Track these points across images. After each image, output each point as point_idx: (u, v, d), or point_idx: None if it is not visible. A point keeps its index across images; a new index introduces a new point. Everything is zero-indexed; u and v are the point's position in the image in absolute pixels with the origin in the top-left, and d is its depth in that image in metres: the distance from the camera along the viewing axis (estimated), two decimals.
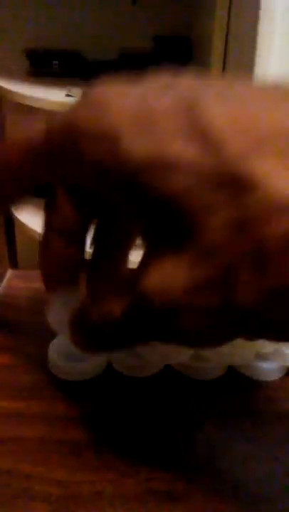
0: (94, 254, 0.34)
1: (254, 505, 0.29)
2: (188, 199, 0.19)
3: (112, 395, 0.36)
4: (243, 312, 0.20)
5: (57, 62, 1.19)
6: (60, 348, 0.39)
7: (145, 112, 0.20)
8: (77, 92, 0.98)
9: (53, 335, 0.40)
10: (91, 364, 0.38)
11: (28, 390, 0.36)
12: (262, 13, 0.66)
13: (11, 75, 1.15)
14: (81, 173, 0.24)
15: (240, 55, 0.78)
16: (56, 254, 0.31)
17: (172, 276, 0.21)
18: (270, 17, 0.67)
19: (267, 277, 0.19)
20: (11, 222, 1.23)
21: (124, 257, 0.33)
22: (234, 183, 0.18)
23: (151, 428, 0.34)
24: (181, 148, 0.19)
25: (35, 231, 1.11)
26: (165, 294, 0.21)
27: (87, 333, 0.27)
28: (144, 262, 0.24)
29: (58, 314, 0.34)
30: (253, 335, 0.23)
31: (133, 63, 1.16)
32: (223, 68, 0.88)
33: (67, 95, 0.99)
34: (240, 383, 0.38)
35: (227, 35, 0.87)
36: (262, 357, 0.39)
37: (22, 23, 1.22)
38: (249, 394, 0.37)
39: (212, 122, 0.18)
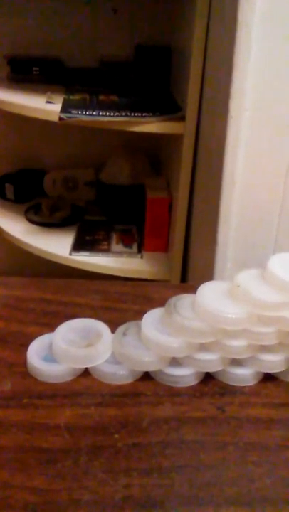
0: None
1: (232, 508, 0.30)
2: None
3: (89, 402, 0.37)
4: None
5: (37, 68, 1.19)
6: (38, 350, 0.40)
7: None
8: (57, 99, 0.98)
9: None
10: (66, 367, 0.38)
11: (6, 398, 0.36)
12: (239, 23, 0.68)
13: None
14: None
15: (218, 64, 0.79)
16: None
17: None
18: (248, 28, 0.68)
19: None
20: None
21: None
22: None
23: (128, 435, 0.34)
24: None
25: (16, 238, 1.10)
26: None
27: None
28: None
29: None
30: None
31: (113, 71, 1.17)
32: (202, 77, 0.89)
33: (48, 102, 0.99)
34: (215, 389, 0.39)
35: (206, 45, 0.88)
36: (237, 363, 0.40)
37: (3, 29, 1.22)
38: (224, 399, 0.38)
39: None
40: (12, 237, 1.11)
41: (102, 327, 0.41)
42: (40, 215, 1.18)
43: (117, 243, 1.09)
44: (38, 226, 1.14)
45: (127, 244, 1.09)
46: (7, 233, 1.12)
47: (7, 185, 1.24)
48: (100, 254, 1.04)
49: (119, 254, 1.04)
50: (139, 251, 1.06)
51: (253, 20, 0.67)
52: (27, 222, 1.16)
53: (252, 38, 0.68)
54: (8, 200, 1.24)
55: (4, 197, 1.25)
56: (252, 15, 0.66)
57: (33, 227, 1.14)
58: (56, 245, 1.06)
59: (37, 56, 1.21)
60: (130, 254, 1.05)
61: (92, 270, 1.02)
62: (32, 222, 1.15)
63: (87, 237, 1.10)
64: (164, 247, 1.07)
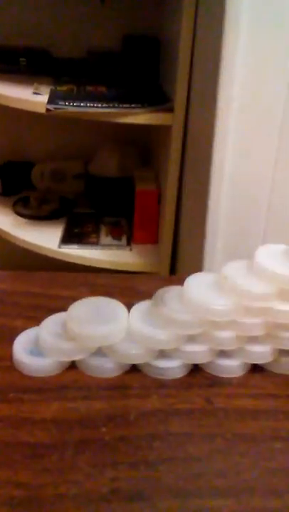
0: None
1: (220, 499, 0.30)
2: None
3: (76, 396, 0.36)
4: None
5: (24, 59, 1.17)
6: (24, 344, 0.39)
7: None
8: (44, 90, 0.97)
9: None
10: (53, 361, 0.38)
11: None
12: (227, 14, 0.67)
13: None
14: None
15: (207, 55, 0.79)
16: None
17: None
18: (236, 18, 0.68)
19: None
20: None
21: None
22: None
23: (115, 428, 0.34)
24: None
25: (4, 231, 1.09)
26: None
27: None
28: None
29: None
30: None
31: (101, 62, 1.16)
32: (190, 68, 0.88)
33: (35, 93, 0.97)
34: (203, 381, 0.39)
35: (194, 36, 0.87)
36: (225, 354, 0.39)
37: None
38: (212, 391, 0.38)
39: None
40: (0, 230, 1.10)
41: None
42: (28, 207, 1.17)
43: (106, 236, 1.08)
44: (27, 219, 1.13)
45: (116, 236, 1.08)
46: None
47: None
48: (89, 247, 1.03)
49: (109, 246, 1.04)
50: (129, 243, 1.05)
51: (241, 10, 0.66)
52: (15, 215, 1.15)
53: (240, 29, 0.67)
54: None
55: None
56: (240, 5, 0.66)
57: (22, 220, 1.13)
58: (45, 238, 1.06)
59: (24, 47, 1.19)
60: (119, 247, 1.04)
61: (81, 263, 1.01)
62: (20, 215, 1.14)
63: (76, 230, 1.09)
64: (154, 239, 1.06)
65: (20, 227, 1.10)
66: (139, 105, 0.90)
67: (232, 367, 0.39)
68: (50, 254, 1.03)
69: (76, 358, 0.39)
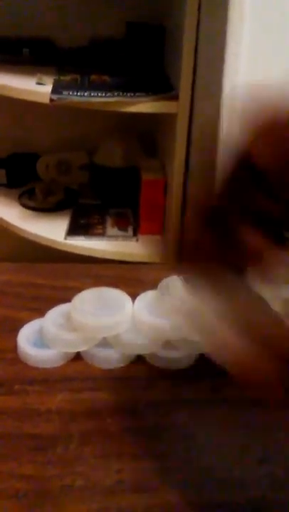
0: None
1: (228, 492, 0.29)
2: None
3: (82, 387, 0.36)
4: None
5: (27, 49, 1.16)
6: (28, 335, 0.39)
7: None
8: (47, 80, 0.96)
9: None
10: (58, 352, 0.38)
11: None
12: (231, 1, 0.66)
13: None
14: None
15: (211, 42, 0.77)
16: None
17: None
18: (240, 3, 0.66)
19: None
20: None
21: None
22: None
23: (121, 419, 0.34)
24: None
25: (10, 223, 1.09)
26: None
27: None
28: None
29: None
30: None
31: (104, 50, 1.14)
32: (195, 56, 0.87)
33: (38, 83, 0.97)
34: (209, 370, 0.38)
35: (198, 23, 0.86)
36: None
37: None
38: (219, 381, 0.37)
39: None
40: (6, 222, 1.10)
41: None
42: (34, 199, 1.16)
43: (112, 227, 1.07)
44: (32, 211, 1.13)
45: (122, 227, 1.07)
46: (1, 219, 1.11)
47: None
48: (95, 238, 1.03)
49: (115, 237, 1.03)
50: (135, 234, 1.05)
51: None
52: (21, 207, 1.14)
53: (244, 15, 0.66)
54: (1, 185, 1.22)
55: None
56: None
57: (27, 212, 1.13)
58: (51, 230, 1.05)
59: (27, 36, 1.18)
60: (125, 238, 1.04)
61: (87, 254, 1.01)
62: (26, 207, 1.14)
63: (82, 221, 1.09)
64: (160, 229, 1.05)
65: (26, 219, 1.09)
66: (143, 94, 0.89)
67: None
68: (56, 246, 1.03)
69: (81, 349, 0.38)
